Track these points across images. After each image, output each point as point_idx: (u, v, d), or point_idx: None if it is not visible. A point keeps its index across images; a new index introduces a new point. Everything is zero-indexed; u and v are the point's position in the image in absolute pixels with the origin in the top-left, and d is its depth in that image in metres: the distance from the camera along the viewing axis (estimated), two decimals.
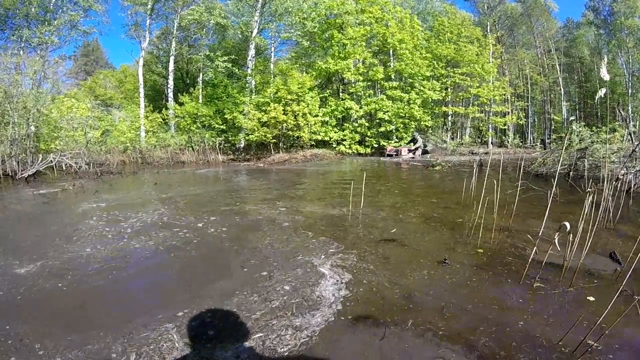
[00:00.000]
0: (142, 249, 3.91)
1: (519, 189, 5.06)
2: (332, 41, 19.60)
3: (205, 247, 3.96)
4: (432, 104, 22.81)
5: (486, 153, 24.55)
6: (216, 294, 2.73)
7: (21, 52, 14.64)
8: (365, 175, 6.40)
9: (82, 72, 26.00)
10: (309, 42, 19.23)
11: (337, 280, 3.02)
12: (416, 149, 18.79)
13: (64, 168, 12.02)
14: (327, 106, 18.24)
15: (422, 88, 21.17)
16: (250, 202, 6.65)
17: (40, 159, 11.47)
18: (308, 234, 4.42)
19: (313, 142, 17.46)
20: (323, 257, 3.60)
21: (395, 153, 18.42)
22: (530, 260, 3.11)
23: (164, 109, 17.12)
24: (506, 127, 27.97)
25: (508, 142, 28.81)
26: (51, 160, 11.60)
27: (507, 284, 2.95)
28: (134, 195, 7.70)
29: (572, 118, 22.89)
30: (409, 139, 20.23)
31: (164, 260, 3.58)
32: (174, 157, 15.17)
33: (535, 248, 3.05)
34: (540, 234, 3.25)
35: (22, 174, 10.84)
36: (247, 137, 16.23)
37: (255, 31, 18.06)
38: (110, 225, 4.95)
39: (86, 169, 12.11)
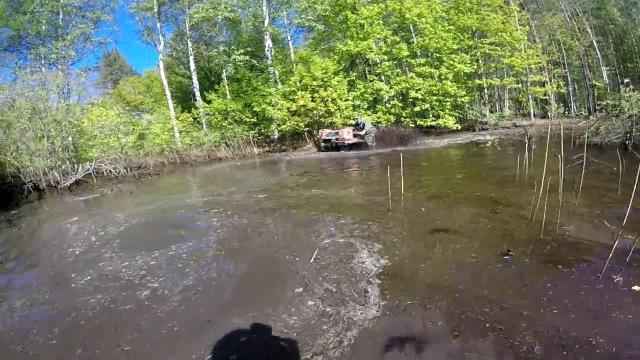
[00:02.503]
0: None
1: (583, 163, 4.14)
2: (348, 23, 18.92)
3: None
4: (465, 77, 21.53)
5: (530, 125, 22.93)
6: None
7: (43, 69, 14.85)
8: (401, 156, 5.61)
9: (109, 82, 26.97)
10: (324, 26, 18.67)
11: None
12: (366, 133, 13.89)
13: (104, 174, 12.28)
14: (355, 89, 17.50)
15: (451, 62, 20.00)
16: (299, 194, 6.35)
17: (79, 167, 11.78)
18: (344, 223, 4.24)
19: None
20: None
21: (335, 139, 13.90)
22: (613, 249, 2.50)
23: (193, 108, 16.98)
24: (547, 96, 26.12)
25: (551, 112, 26.87)
26: (88, 168, 11.91)
27: (588, 280, 2.45)
28: (174, 195, 7.62)
29: (626, 80, 20.90)
30: (449, 116, 18.92)
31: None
32: (210, 154, 14.96)
33: (619, 235, 2.51)
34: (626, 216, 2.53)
35: (64, 184, 11.23)
36: (279, 128, 15.77)
37: (266, 21, 17.50)
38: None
39: (125, 173, 12.32)
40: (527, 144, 6.58)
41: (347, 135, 13.62)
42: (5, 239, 5.47)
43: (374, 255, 3.29)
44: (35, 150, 11.58)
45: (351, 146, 13.42)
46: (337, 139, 13.75)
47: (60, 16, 15.60)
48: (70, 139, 13.07)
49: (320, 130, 14.94)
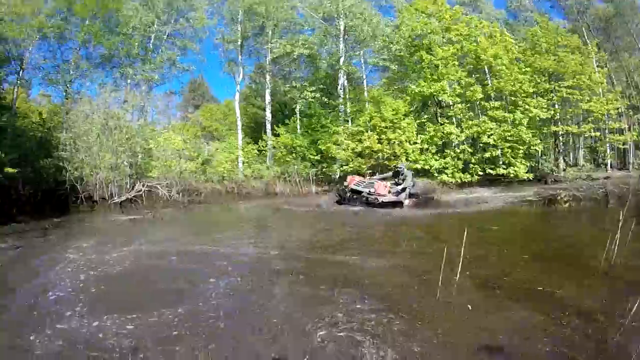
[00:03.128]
0: None
1: None
2: (423, 63, 18.23)
3: None
4: (540, 123, 19.96)
5: (607, 178, 20.77)
6: None
7: (126, 88, 15.82)
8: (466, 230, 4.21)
9: (190, 106, 28.19)
10: (397, 66, 18.15)
11: None
12: (402, 190, 11.20)
13: (160, 195, 12.65)
14: (425, 132, 16.63)
15: (526, 106, 18.62)
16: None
17: (134, 186, 12.38)
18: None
19: (412, 172, 15.77)
20: None
21: (367, 192, 11.08)
22: None
23: (260, 140, 17.11)
24: (626, 145, 23.81)
25: (629, 163, 24.41)
26: (140, 189, 12.41)
27: None
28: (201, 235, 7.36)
29: None
30: (521, 165, 17.41)
31: None
32: (267, 188, 14.97)
33: None
34: None
35: (116, 199, 11.89)
36: (341, 168, 15.23)
37: (342, 59, 17.53)
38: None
39: (177, 197, 12.65)
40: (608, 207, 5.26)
41: (383, 190, 10.90)
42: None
43: None
44: (98, 164, 12.21)
45: (384, 204, 10.62)
46: (369, 193, 10.90)
47: (152, 40, 16.73)
48: (139, 157, 13.28)
49: (350, 177, 12.34)
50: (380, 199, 10.61)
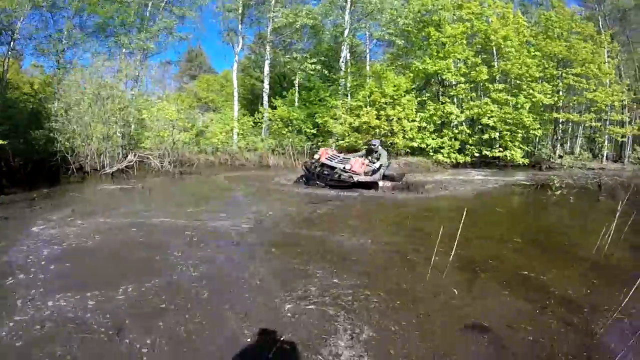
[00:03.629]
0: None
1: None
2: (430, 40, 17.77)
3: None
4: (542, 109, 19.71)
5: (601, 169, 20.76)
6: None
7: (122, 57, 15.32)
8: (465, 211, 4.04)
9: (187, 76, 27.55)
10: (403, 42, 17.65)
11: None
12: (377, 169, 9.77)
13: (152, 166, 12.61)
14: (425, 110, 16.41)
15: (531, 91, 18.32)
16: None
17: (126, 157, 12.25)
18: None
19: (408, 150, 15.71)
20: None
21: (341, 169, 9.37)
22: None
23: (256, 112, 16.89)
24: (624, 138, 23.66)
25: (625, 156, 24.34)
26: (132, 159, 12.28)
27: None
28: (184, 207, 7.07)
29: None
30: (518, 149, 17.32)
31: None
32: (261, 160, 14.89)
33: None
34: None
35: (107, 170, 11.78)
36: (337, 143, 15.11)
37: (346, 32, 17.03)
38: None
39: (169, 168, 12.57)
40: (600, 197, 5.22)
41: (360, 168, 9.27)
42: None
43: (356, 347, 2.45)
44: (90, 134, 12.02)
45: (357, 185, 9.18)
46: (344, 170, 9.22)
47: (149, 8, 16.13)
48: (132, 127, 13.12)
49: (322, 149, 10.30)
50: (356, 178, 9.05)
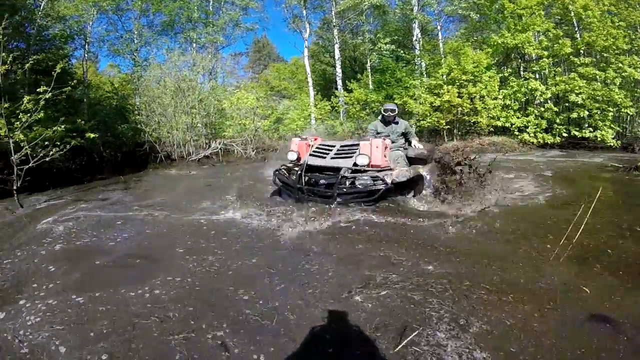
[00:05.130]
0: None
1: None
2: (505, 12, 16.58)
3: None
4: (633, 85, 17.82)
5: None
6: None
7: (193, 52, 15.82)
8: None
9: (257, 66, 28.19)
10: (478, 16, 16.61)
11: None
12: (420, 158, 5.66)
13: (235, 153, 12.84)
14: (507, 87, 15.26)
15: (620, 64, 16.56)
16: None
17: (209, 145, 12.64)
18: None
19: (492, 129, 14.69)
20: None
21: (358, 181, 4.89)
22: None
23: (333, 96, 16.65)
24: None
25: None
26: (216, 146, 12.56)
27: None
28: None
29: None
30: (609, 129, 15.69)
31: None
32: None
33: None
34: None
35: (193, 157, 12.20)
36: (418, 123, 14.40)
37: (415, 9, 16.29)
38: None
39: (252, 154, 12.72)
40: None
41: (381, 155, 4.98)
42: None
43: (463, 337, 2.10)
44: (175, 124, 12.60)
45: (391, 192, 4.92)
46: (357, 170, 4.99)
47: (211, 2, 16.61)
48: (211, 117, 13.34)
49: (295, 140, 5.81)
50: (390, 180, 4.74)
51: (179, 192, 6.98)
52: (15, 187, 6.59)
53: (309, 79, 16.93)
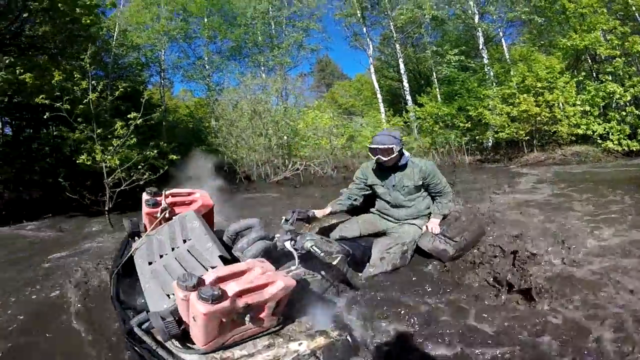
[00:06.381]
0: None
1: None
2: (567, 13, 16.01)
3: None
4: None
5: None
6: None
7: (262, 74, 16.36)
8: None
9: (322, 85, 28.53)
10: (542, 19, 16.12)
11: None
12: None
13: (311, 173, 12.57)
14: (585, 92, 14.63)
15: None
16: None
17: (290, 165, 12.63)
18: None
19: (572, 137, 14.05)
20: None
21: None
22: None
23: (403, 112, 16.44)
24: None
25: None
26: (298, 168, 12.40)
27: None
28: None
29: None
30: None
31: None
32: None
33: None
34: None
35: (272, 179, 12.23)
36: (495, 135, 13.91)
37: (477, 17, 15.95)
38: None
39: (332, 174, 12.42)
40: None
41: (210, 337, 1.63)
42: None
43: None
44: (253, 145, 12.85)
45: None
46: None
47: (272, 27, 17.10)
48: (285, 138, 13.41)
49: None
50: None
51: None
52: (107, 208, 6.84)
53: (379, 95, 16.81)
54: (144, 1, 15.43)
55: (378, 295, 2.54)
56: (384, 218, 3.24)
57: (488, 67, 15.30)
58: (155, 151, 8.40)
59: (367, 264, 2.86)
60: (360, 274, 2.78)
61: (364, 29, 17.20)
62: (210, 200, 2.68)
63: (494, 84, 15.13)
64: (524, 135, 13.56)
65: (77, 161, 7.62)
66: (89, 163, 7.35)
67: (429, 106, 14.95)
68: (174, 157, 8.90)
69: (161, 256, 2.06)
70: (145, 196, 2.57)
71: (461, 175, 10.52)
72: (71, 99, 7.41)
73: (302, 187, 11.27)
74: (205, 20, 15.86)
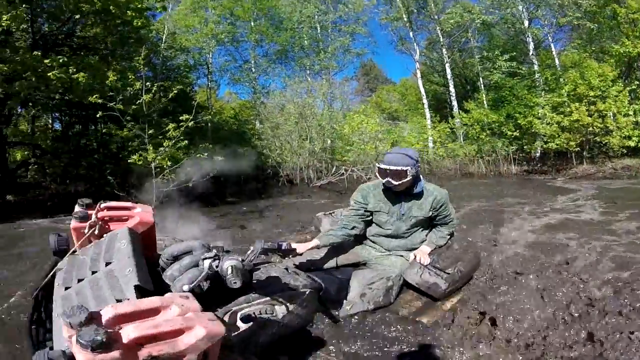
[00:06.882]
0: None
1: None
2: (618, 18, 15.49)
3: None
4: None
5: None
6: None
7: (308, 78, 16.62)
8: None
9: (366, 90, 28.72)
10: (595, 25, 15.65)
11: None
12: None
13: (354, 178, 12.48)
14: (638, 101, 14.21)
15: None
16: None
17: (333, 170, 12.68)
18: None
19: (623, 150, 13.69)
20: None
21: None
22: None
23: (449, 117, 16.34)
24: None
25: None
26: (342, 173, 12.38)
27: None
28: None
29: None
30: None
31: None
32: (461, 168, 14.11)
33: None
34: None
35: (315, 183, 12.17)
36: (544, 145, 13.67)
37: (526, 22, 15.62)
38: None
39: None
40: None
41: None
42: None
43: None
44: (298, 149, 12.90)
45: None
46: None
47: (318, 31, 17.15)
48: (329, 142, 13.52)
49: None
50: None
51: None
52: (153, 207, 7.03)
53: (425, 101, 16.72)
54: (192, 5, 15.83)
55: (356, 341, 2.08)
56: (369, 246, 2.75)
57: (538, 74, 14.98)
58: (206, 154, 8.43)
59: (344, 301, 2.36)
60: (335, 313, 2.28)
61: (411, 33, 17.13)
62: (151, 217, 2.27)
63: (544, 91, 14.84)
64: (574, 146, 13.29)
65: (129, 160, 7.87)
66: (140, 163, 7.55)
67: (475, 112, 14.81)
68: (220, 158, 9.17)
69: (80, 280, 1.66)
70: (76, 208, 2.14)
71: (505, 187, 10.47)
72: (124, 99, 7.71)
73: (346, 193, 11.52)
74: (252, 24, 16.17)
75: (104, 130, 12.67)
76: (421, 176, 2.65)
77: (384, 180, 2.45)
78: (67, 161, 11.49)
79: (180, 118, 7.67)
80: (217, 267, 1.63)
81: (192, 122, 7.62)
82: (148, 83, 7.96)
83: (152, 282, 1.56)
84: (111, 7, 11.15)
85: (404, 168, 2.36)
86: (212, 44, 15.37)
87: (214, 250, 1.74)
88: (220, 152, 11.16)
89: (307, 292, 1.98)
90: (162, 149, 7.52)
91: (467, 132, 15.44)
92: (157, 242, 2.49)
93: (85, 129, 13.22)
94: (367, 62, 27.55)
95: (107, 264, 1.66)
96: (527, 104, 14.24)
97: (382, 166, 2.44)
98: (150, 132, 7.66)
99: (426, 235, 2.72)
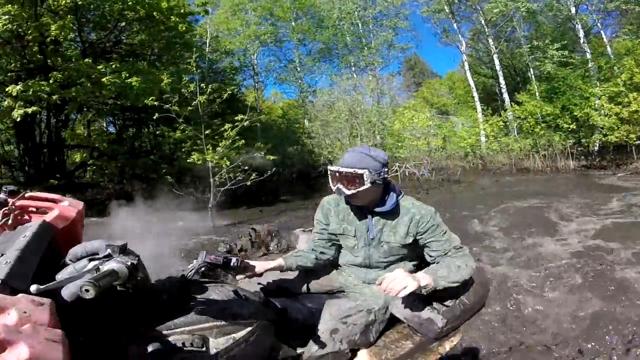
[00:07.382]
0: None
1: None
2: None
3: None
4: None
5: None
6: None
7: (354, 75, 16.53)
8: None
9: (412, 85, 28.47)
10: None
11: None
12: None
13: (406, 175, 12.52)
14: None
15: None
16: None
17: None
18: None
19: None
20: None
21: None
22: None
23: (502, 110, 16.01)
24: None
25: None
26: (396, 170, 12.26)
27: None
28: None
29: None
30: None
31: None
32: (516, 164, 13.80)
33: None
34: None
35: None
36: (603, 139, 13.24)
37: (573, 9, 15.10)
38: None
39: (429, 176, 12.36)
40: None
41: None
42: None
43: None
44: (348, 146, 12.60)
45: None
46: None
47: (360, 27, 17.04)
48: (379, 139, 13.46)
49: None
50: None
51: None
52: (210, 205, 7.29)
53: (475, 94, 16.37)
54: (231, 8, 15.86)
55: None
56: (345, 273, 2.03)
57: (592, 62, 14.48)
58: (263, 152, 8.50)
59: (312, 337, 1.67)
60: (295, 354, 1.66)
61: (455, 25, 16.78)
62: (73, 213, 1.98)
63: (599, 80, 14.37)
64: (634, 139, 12.83)
65: (188, 160, 8.06)
66: (199, 162, 7.69)
67: (529, 105, 14.41)
68: (272, 157, 9.12)
69: None
70: None
71: (560, 184, 10.06)
72: (179, 101, 7.76)
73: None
74: (293, 23, 16.21)
75: (157, 132, 12.88)
76: (397, 189, 1.84)
77: (334, 188, 1.74)
78: (124, 162, 11.80)
79: (236, 118, 7.81)
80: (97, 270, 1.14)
81: (247, 122, 7.73)
82: (202, 85, 7.94)
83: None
84: (155, 14, 11.28)
85: (359, 171, 1.63)
86: (255, 45, 15.46)
87: (109, 250, 1.23)
88: (272, 152, 11.30)
89: (258, 323, 1.39)
90: (219, 148, 7.64)
91: (521, 126, 15.05)
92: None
93: (138, 131, 13.48)
94: (412, 56, 27.18)
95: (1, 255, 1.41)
96: (582, 94, 13.78)
97: (332, 168, 1.73)
98: (207, 132, 7.74)
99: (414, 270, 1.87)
